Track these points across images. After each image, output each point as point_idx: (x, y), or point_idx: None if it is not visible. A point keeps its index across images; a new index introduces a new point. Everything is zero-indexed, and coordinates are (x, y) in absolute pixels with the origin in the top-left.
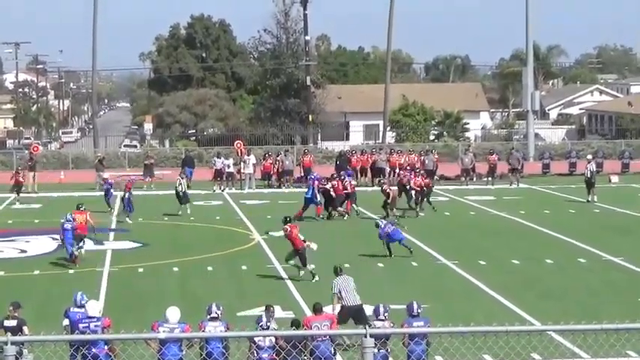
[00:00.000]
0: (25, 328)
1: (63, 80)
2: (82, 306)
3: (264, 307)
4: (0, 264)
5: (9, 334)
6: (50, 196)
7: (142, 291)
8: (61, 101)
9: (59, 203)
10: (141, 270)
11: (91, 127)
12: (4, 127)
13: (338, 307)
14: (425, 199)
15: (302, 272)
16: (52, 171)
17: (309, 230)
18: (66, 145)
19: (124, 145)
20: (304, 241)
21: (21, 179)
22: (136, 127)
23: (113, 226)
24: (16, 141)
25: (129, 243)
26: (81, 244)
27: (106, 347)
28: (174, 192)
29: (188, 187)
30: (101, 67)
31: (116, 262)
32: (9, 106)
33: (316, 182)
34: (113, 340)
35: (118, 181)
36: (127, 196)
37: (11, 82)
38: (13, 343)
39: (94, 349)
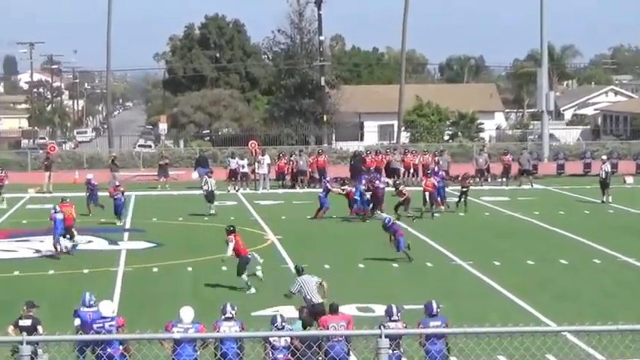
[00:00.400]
0: (40, 328)
1: (77, 80)
2: (91, 306)
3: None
4: (15, 264)
5: (24, 333)
6: (65, 195)
7: (156, 291)
8: (75, 101)
9: (74, 203)
10: (155, 270)
11: (105, 127)
12: (19, 127)
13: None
14: (462, 199)
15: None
16: (67, 171)
17: (323, 230)
18: (80, 145)
19: (139, 145)
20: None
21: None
22: (151, 127)
23: (127, 226)
24: (31, 141)
25: (143, 243)
26: (74, 240)
27: (121, 347)
28: (190, 192)
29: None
30: (115, 67)
31: (131, 262)
32: (24, 106)
33: (328, 184)
34: (128, 339)
35: (133, 181)
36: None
37: (26, 82)
38: (28, 343)
39: (109, 349)
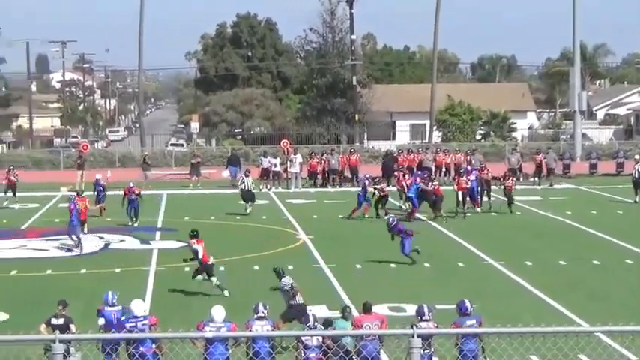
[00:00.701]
0: (73, 326)
1: (109, 79)
2: (114, 304)
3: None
4: (47, 263)
5: (57, 332)
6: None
7: (188, 290)
8: (107, 100)
9: (106, 202)
10: (187, 269)
11: (137, 125)
12: (52, 126)
13: None
14: (509, 201)
15: (215, 281)
16: (99, 169)
17: (355, 229)
18: (113, 143)
19: (171, 144)
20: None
21: (13, 179)
22: (183, 126)
23: (159, 225)
24: (64, 140)
25: (175, 242)
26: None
27: (153, 346)
28: (221, 191)
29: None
30: (147, 66)
31: (162, 262)
32: (56, 104)
33: (366, 182)
34: (160, 338)
35: (165, 180)
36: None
37: (58, 81)
38: (60, 341)
39: (141, 348)
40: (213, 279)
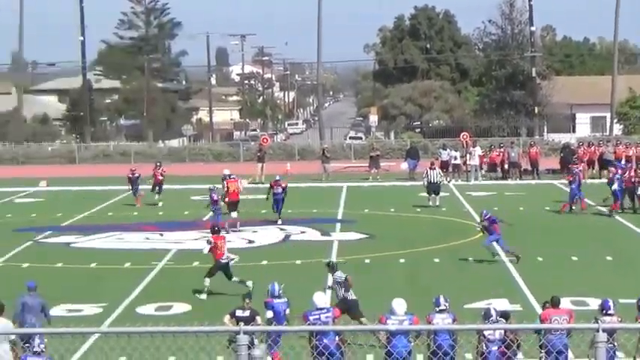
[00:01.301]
0: (258, 319)
1: (288, 72)
2: (280, 296)
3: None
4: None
5: (241, 323)
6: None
7: (368, 282)
8: (286, 93)
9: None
10: (367, 261)
11: (316, 118)
12: (231, 119)
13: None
14: None
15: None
16: (279, 162)
17: (534, 221)
18: (292, 136)
19: (350, 137)
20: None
21: (160, 177)
22: (361, 118)
23: (339, 217)
24: (243, 132)
25: (355, 234)
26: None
27: (337, 338)
28: (400, 184)
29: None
30: (326, 58)
31: (342, 253)
32: (235, 98)
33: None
34: (343, 331)
35: (344, 172)
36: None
37: (237, 74)
38: (245, 333)
39: (325, 340)
40: (206, 281)
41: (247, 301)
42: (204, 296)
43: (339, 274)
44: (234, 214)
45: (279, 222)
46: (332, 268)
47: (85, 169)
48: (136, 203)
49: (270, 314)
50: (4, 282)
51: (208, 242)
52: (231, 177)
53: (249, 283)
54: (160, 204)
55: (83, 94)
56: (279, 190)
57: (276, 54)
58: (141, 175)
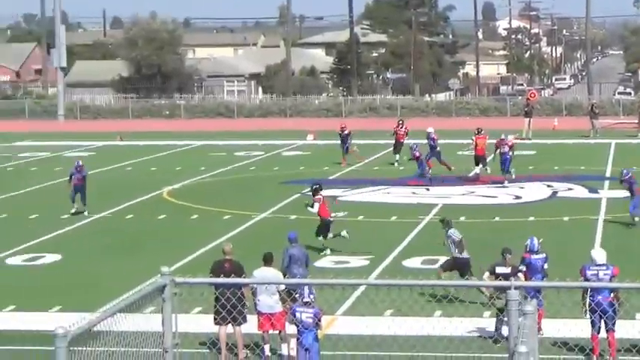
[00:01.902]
0: (521, 275)
1: (555, 27)
2: (538, 252)
3: None
4: (495, 210)
5: (512, 278)
6: (544, 143)
7: (635, 242)
8: (553, 48)
9: (552, 151)
10: (638, 219)
11: (584, 73)
12: (498, 74)
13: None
14: None
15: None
16: (546, 118)
17: None
18: (559, 91)
19: (618, 93)
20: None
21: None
22: (630, 74)
23: (608, 174)
24: (509, 87)
25: (624, 192)
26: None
27: (611, 295)
28: None
29: None
30: (594, 14)
31: (611, 211)
32: (502, 52)
33: None
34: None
35: (613, 128)
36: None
37: (504, 29)
38: (516, 288)
39: (598, 297)
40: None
41: (508, 256)
42: (328, 251)
43: (454, 233)
44: (477, 169)
45: (506, 182)
46: (447, 224)
47: (352, 123)
48: (341, 162)
49: (523, 268)
50: (272, 233)
51: (313, 203)
52: (481, 133)
53: (344, 233)
54: (396, 165)
55: (350, 48)
56: (506, 149)
57: (543, 9)
58: (351, 133)
